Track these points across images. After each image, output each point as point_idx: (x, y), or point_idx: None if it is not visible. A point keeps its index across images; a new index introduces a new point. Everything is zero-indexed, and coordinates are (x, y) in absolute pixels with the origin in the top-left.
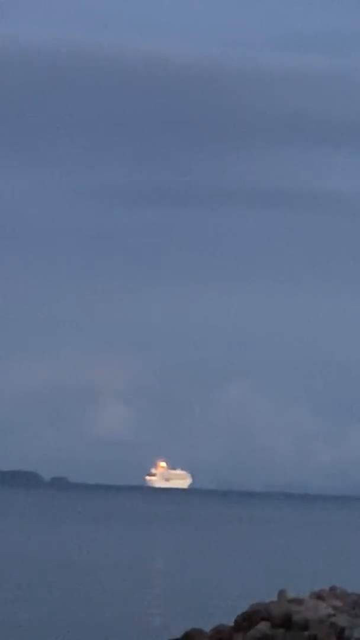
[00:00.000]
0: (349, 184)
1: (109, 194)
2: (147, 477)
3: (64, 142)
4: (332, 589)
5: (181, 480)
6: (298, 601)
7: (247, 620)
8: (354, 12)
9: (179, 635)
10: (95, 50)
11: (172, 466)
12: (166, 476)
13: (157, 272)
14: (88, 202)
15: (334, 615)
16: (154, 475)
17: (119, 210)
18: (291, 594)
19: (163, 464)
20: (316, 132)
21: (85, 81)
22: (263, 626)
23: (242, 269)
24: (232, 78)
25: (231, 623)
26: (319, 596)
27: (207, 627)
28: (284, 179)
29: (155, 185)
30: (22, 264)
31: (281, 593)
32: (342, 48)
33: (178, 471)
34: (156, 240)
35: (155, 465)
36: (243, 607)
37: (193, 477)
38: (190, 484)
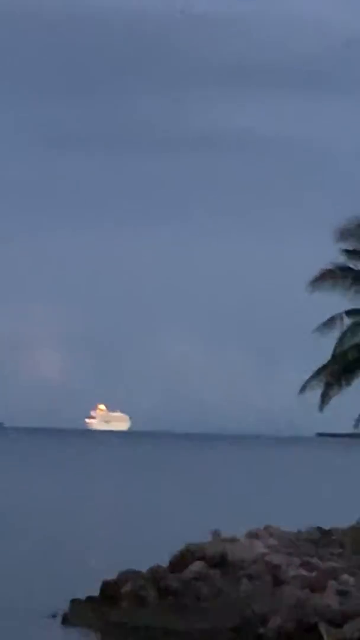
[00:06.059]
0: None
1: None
2: (87, 420)
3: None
4: (267, 528)
5: (121, 422)
6: (232, 541)
7: (181, 560)
8: None
9: (114, 577)
10: None
11: (111, 409)
12: (106, 419)
13: (89, 217)
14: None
15: (268, 553)
16: (93, 418)
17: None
18: (225, 534)
19: (102, 406)
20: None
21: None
22: (198, 566)
23: (171, 213)
24: (159, 22)
25: (166, 564)
26: (253, 535)
27: (143, 568)
28: (207, 122)
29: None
30: None
31: (215, 533)
32: None
33: (117, 413)
34: (86, 185)
35: (94, 408)
36: (178, 547)
37: (132, 419)
38: (130, 426)
